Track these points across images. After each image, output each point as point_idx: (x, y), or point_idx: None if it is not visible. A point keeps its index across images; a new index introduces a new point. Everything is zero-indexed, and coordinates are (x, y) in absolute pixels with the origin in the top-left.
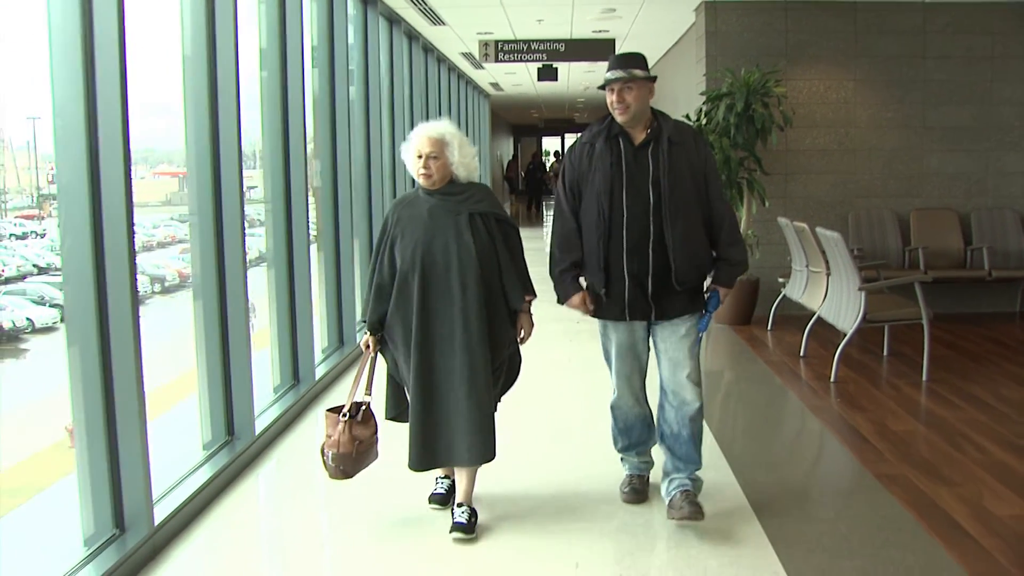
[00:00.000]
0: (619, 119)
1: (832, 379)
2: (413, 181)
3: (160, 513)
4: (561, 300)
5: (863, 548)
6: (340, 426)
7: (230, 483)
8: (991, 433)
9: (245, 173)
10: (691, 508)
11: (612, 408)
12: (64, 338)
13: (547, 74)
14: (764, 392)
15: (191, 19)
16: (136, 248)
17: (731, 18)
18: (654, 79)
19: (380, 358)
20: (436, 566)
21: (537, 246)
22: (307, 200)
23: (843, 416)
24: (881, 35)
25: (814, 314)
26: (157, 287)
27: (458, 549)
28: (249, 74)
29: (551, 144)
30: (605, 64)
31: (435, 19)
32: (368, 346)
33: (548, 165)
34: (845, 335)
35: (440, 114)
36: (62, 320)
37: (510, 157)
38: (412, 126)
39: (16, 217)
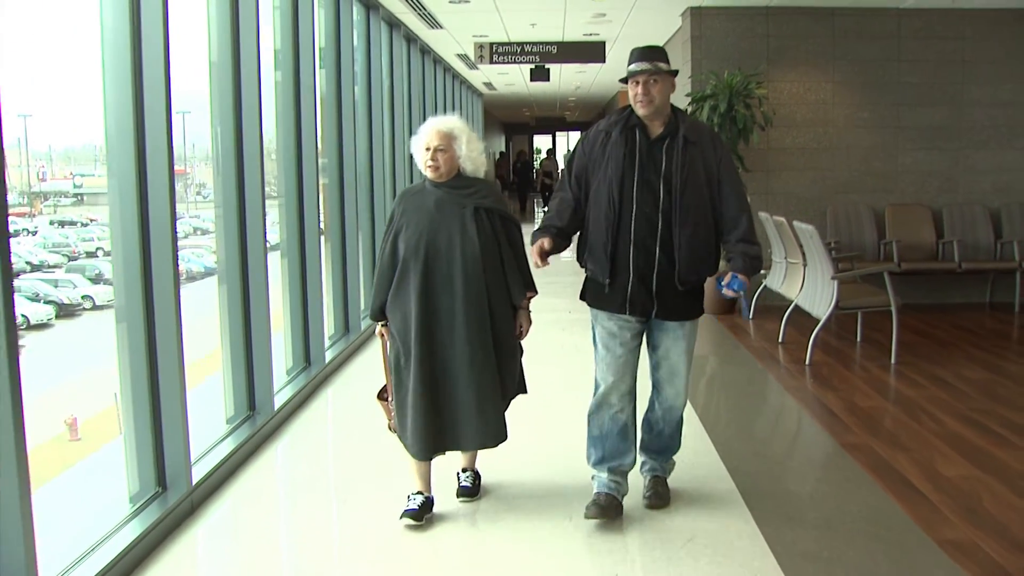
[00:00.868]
0: (641, 112)
1: (807, 362)
2: (419, 173)
3: (197, 473)
4: (535, 236)
5: (826, 503)
6: (391, 407)
7: (253, 453)
8: (949, 408)
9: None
10: (655, 500)
11: (589, 415)
12: (113, 315)
13: (539, 75)
14: (745, 374)
15: (217, 27)
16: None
17: (715, 23)
18: (676, 73)
19: None
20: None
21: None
22: (318, 194)
23: (816, 395)
24: (858, 40)
25: (792, 303)
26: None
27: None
28: (266, 76)
29: (543, 142)
30: (596, 65)
31: (433, 23)
32: (382, 334)
33: (538, 162)
34: (820, 321)
35: (436, 112)
36: (57, 316)
37: (498, 155)
38: (411, 124)
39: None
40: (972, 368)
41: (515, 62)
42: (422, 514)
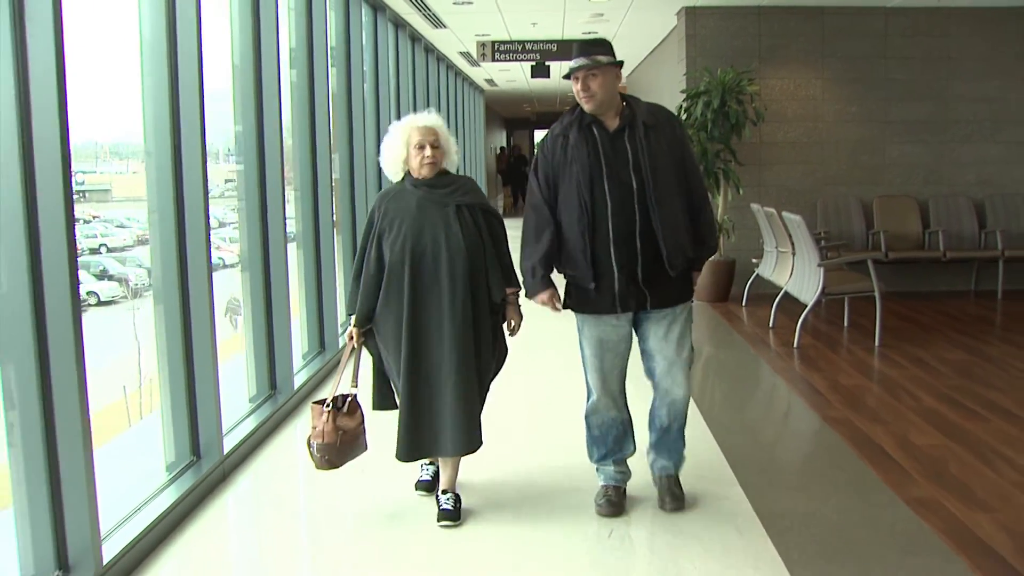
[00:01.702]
0: (586, 108)
1: (795, 345)
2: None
3: (228, 444)
4: (529, 295)
5: (806, 468)
6: (324, 416)
7: (275, 429)
8: (927, 386)
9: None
10: (673, 503)
11: (586, 417)
12: (152, 299)
13: (540, 71)
14: (736, 357)
15: (239, 31)
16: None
17: (709, 22)
18: (620, 64)
19: (364, 351)
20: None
21: (519, 235)
22: (331, 188)
23: (802, 375)
24: (847, 38)
25: (782, 289)
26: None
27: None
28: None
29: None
30: None
31: (437, 23)
32: (351, 338)
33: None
34: (807, 306)
35: (440, 108)
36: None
37: (498, 150)
38: None
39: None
40: (951, 351)
41: (516, 60)
42: (434, 484)
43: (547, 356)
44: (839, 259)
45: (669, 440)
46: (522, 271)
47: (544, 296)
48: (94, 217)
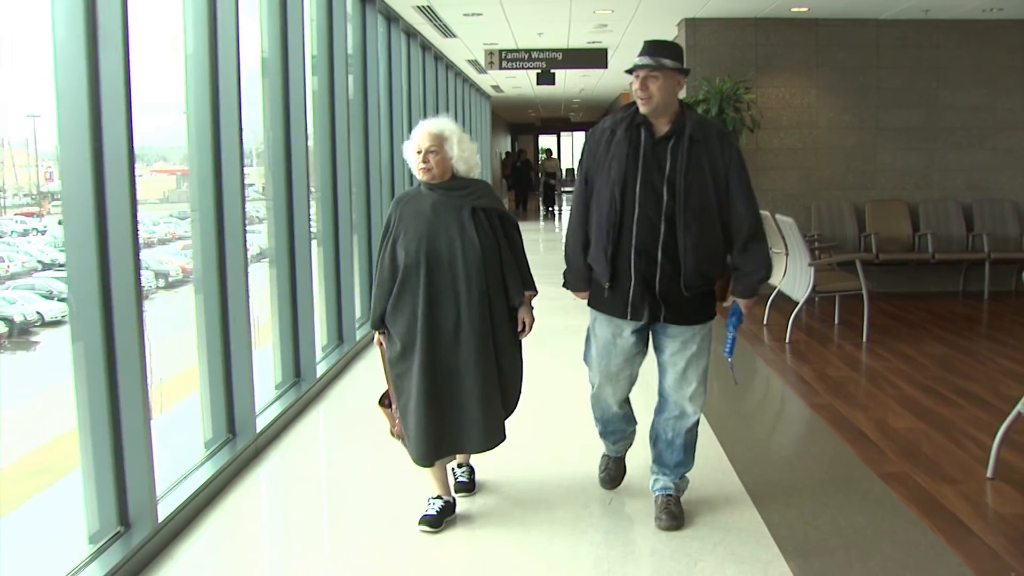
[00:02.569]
0: (641, 109)
1: (787, 340)
2: (412, 178)
3: (259, 424)
4: (568, 286)
5: (790, 448)
6: (395, 412)
7: (300, 413)
8: (907, 376)
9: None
10: (668, 520)
11: (592, 397)
12: (192, 290)
13: (545, 79)
14: None
15: (268, 42)
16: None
17: (708, 33)
18: (686, 72)
19: None
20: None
21: (530, 238)
22: (350, 192)
23: (792, 367)
24: (840, 48)
25: (775, 288)
26: (161, 282)
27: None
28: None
29: (548, 142)
30: (599, 71)
31: (448, 32)
32: (381, 343)
33: (540, 162)
34: (798, 304)
35: (448, 112)
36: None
37: (503, 155)
38: None
39: (16, 214)
40: (934, 346)
41: (523, 68)
42: (441, 519)
43: (549, 354)
44: (829, 259)
45: (672, 457)
46: (567, 260)
47: (583, 294)
48: None
